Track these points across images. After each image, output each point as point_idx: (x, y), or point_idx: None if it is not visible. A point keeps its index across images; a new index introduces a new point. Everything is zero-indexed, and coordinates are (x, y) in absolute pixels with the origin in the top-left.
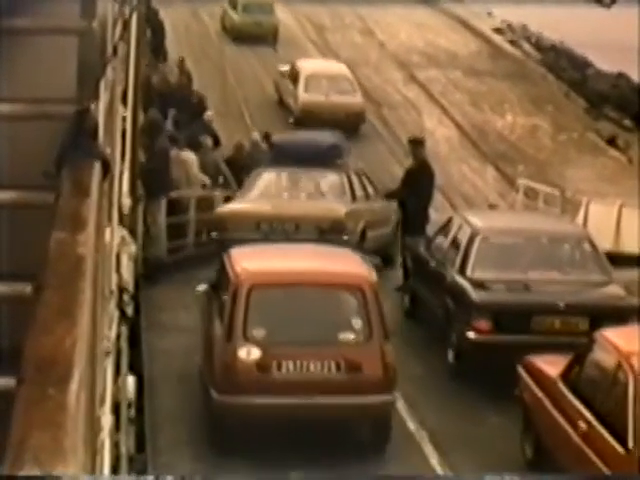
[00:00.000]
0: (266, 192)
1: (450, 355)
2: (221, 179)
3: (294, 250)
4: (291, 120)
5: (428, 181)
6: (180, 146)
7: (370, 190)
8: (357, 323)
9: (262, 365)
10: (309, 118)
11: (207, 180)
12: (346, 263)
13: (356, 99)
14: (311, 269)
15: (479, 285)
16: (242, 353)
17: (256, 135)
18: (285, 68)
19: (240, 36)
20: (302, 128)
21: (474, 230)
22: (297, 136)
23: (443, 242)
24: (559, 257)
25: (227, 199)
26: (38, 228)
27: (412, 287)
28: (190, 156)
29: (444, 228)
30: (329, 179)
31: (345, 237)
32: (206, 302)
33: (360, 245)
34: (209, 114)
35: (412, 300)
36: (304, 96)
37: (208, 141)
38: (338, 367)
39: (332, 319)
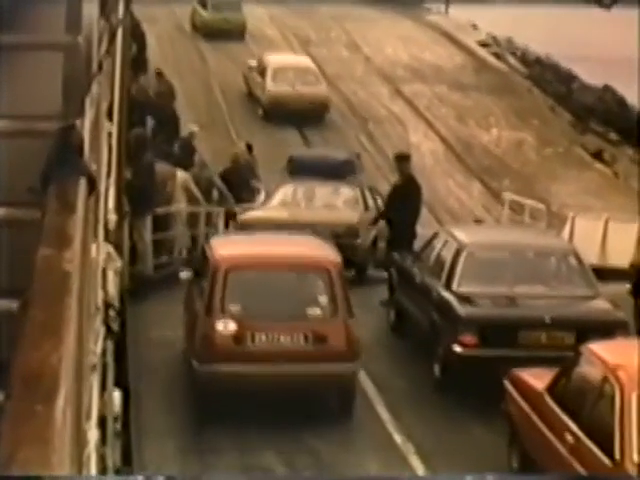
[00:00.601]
0: (284, 202)
1: (436, 369)
2: (215, 194)
3: (268, 238)
4: (260, 111)
5: (415, 197)
6: (172, 162)
7: (382, 206)
8: (323, 300)
9: (238, 337)
10: (277, 108)
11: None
12: (314, 248)
13: (321, 90)
14: (282, 253)
15: (465, 299)
16: (220, 326)
17: (242, 146)
18: (253, 63)
19: (210, 33)
20: (271, 118)
21: (460, 245)
22: (314, 152)
23: (429, 257)
24: (545, 271)
25: (228, 214)
26: (25, 244)
27: (398, 301)
28: (182, 174)
29: (430, 243)
30: (343, 192)
31: (358, 240)
32: (189, 287)
33: (372, 252)
34: (193, 130)
35: (398, 314)
36: (272, 87)
37: (203, 157)
38: (306, 339)
39: (301, 297)
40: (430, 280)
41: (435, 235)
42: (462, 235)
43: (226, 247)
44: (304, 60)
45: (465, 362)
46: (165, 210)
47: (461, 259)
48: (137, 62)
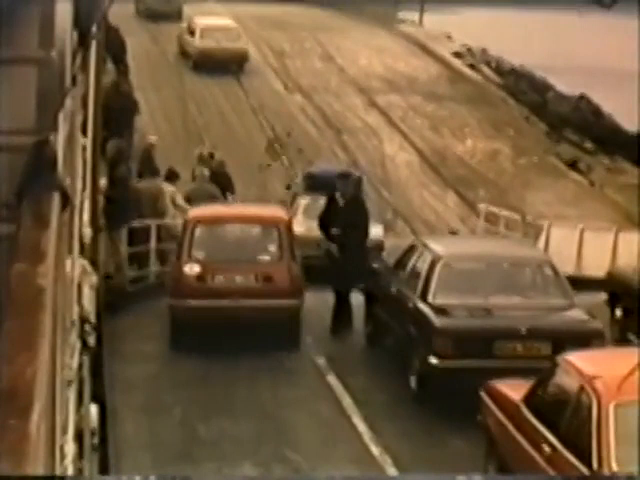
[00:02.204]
0: (307, 215)
1: (413, 381)
2: None
3: (233, 205)
4: (190, 64)
5: (362, 217)
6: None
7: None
8: (272, 248)
9: (200, 277)
10: (204, 60)
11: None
12: (268, 209)
13: (241, 44)
14: (240, 212)
15: (441, 311)
16: (186, 268)
17: (205, 150)
18: (184, 25)
19: (151, 14)
20: (199, 69)
21: (435, 256)
22: (329, 168)
23: (405, 268)
24: (521, 282)
25: None
26: (1, 260)
27: (375, 313)
28: (168, 188)
29: (405, 254)
30: None
31: (384, 254)
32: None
33: None
34: (152, 140)
35: (375, 326)
36: (200, 43)
37: (204, 172)
38: (256, 279)
39: (253, 246)
40: (406, 291)
41: (410, 246)
42: (437, 246)
43: (197, 211)
44: (227, 21)
45: (441, 373)
46: (142, 223)
47: (436, 270)
48: (118, 68)
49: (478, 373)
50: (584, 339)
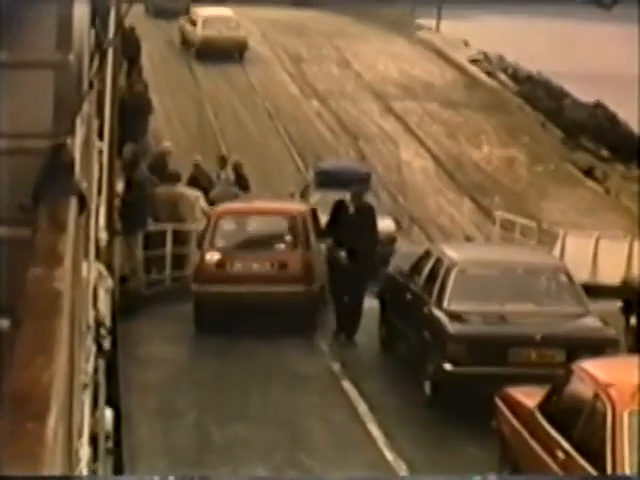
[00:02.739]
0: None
1: (427, 387)
2: None
3: (251, 200)
4: (192, 52)
5: (371, 224)
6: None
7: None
8: (288, 238)
9: (220, 264)
10: (206, 48)
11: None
12: (286, 203)
13: (241, 34)
14: (259, 206)
15: (455, 317)
16: (208, 256)
17: (198, 157)
18: (186, 16)
19: (159, 12)
20: (202, 56)
21: (451, 262)
22: (338, 163)
23: (420, 274)
24: (536, 289)
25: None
26: (16, 262)
27: (389, 318)
28: (194, 193)
29: (421, 260)
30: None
31: (395, 247)
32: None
33: None
34: (167, 147)
35: (389, 331)
36: (202, 32)
37: (230, 175)
38: (272, 265)
39: (270, 235)
40: (421, 297)
41: (426, 252)
42: (453, 252)
43: (221, 206)
44: (227, 11)
45: (455, 380)
46: (157, 227)
47: (452, 277)
48: (132, 68)
49: (492, 380)
50: (598, 347)
